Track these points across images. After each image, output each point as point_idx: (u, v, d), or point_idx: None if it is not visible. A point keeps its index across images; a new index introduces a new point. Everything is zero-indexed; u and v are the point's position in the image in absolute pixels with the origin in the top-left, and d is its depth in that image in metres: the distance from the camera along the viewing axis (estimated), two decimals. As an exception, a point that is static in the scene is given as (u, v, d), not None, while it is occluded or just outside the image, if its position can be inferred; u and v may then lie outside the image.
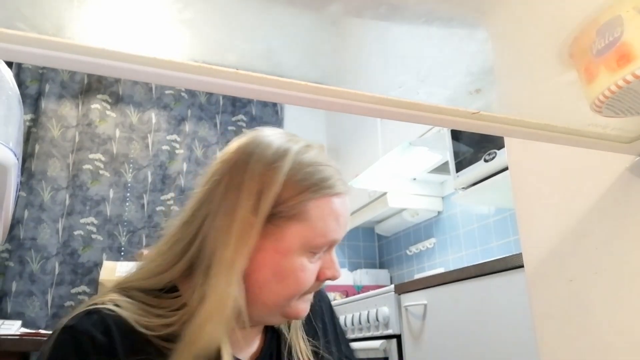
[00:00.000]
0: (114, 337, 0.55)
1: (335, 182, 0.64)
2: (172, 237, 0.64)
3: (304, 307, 0.66)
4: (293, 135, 0.67)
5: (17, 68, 2.62)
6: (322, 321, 0.79)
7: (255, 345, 0.70)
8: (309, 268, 0.62)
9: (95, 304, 0.58)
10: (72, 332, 0.55)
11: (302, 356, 0.70)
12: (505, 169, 1.75)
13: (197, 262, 0.61)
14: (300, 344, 0.71)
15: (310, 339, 0.74)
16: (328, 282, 0.69)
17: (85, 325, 0.56)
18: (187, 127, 2.83)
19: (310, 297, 0.67)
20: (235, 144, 0.65)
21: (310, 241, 0.61)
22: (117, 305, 0.58)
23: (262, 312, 0.63)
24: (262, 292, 0.61)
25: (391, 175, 2.63)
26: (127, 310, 0.58)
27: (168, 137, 2.76)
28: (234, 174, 0.61)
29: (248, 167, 0.61)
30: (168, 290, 0.62)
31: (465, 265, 1.63)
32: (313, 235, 0.61)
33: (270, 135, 0.65)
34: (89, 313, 0.57)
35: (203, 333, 0.56)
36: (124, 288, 0.62)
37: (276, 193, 0.60)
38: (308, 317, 0.74)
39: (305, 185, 0.61)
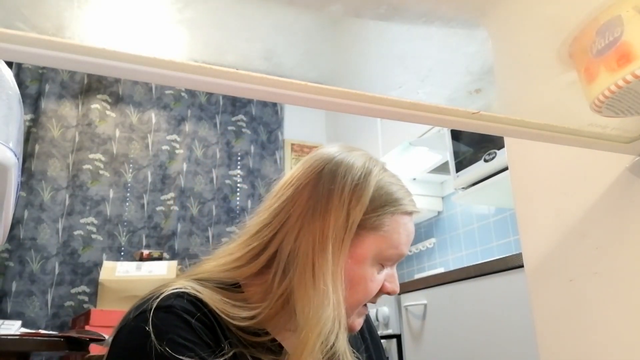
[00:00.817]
0: (211, 319, 0.57)
1: (408, 202, 0.70)
2: (252, 235, 0.66)
3: (359, 321, 0.69)
4: (367, 153, 0.72)
5: (17, 68, 2.62)
6: (365, 334, 0.81)
7: None
8: (377, 279, 0.66)
9: (179, 288, 0.59)
10: (172, 310, 0.55)
11: None
12: (505, 169, 1.75)
13: (275, 263, 0.63)
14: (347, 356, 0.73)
15: (355, 351, 0.74)
16: None
17: (183, 304, 0.56)
18: (187, 127, 2.83)
19: (366, 311, 0.70)
20: (316, 156, 0.69)
21: (383, 252, 0.65)
22: (198, 292, 0.59)
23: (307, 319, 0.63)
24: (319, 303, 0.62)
25: (391, 175, 2.62)
26: (208, 297, 0.59)
27: (168, 137, 2.76)
28: (321, 185, 0.65)
29: (336, 180, 0.65)
30: (231, 285, 0.64)
31: (465, 265, 1.63)
32: (386, 247, 0.65)
33: (350, 152, 0.70)
34: (178, 296, 0.57)
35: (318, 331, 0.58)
36: (197, 279, 0.63)
37: (364, 207, 0.64)
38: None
39: (385, 202, 0.67)
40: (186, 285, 0.60)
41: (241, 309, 0.60)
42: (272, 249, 0.63)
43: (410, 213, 0.69)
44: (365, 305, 0.68)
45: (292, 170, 0.70)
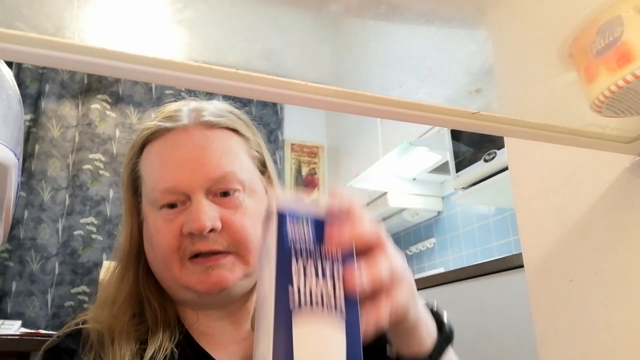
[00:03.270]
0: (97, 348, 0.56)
1: (157, 122, 0.60)
2: None
3: (200, 277, 0.55)
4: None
5: (17, 68, 2.62)
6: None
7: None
8: (163, 227, 0.56)
9: (76, 323, 0.62)
10: (52, 353, 0.58)
11: None
12: (505, 169, 1.75)
13: None
14: None
15: None
16: None
17: (64, 343, 0.59)
18: (187, 127, 2.83)
19: (205, 262, 0.55)
20: None
21: (150, 196, 0.58)
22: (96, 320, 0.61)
23: (167, 288, 0.60)
24: (151, 266, 0.60)
25: (391, 175, 2.63)
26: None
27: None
28: None
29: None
30: None
31: (465, 265, 1.63)
32: (149, 189, 0.58)
33: None
34: (66, 335, 0.60)
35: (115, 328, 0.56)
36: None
37: (127, 165, 0.62)
38: None
39: (132, 144, 0.62)
40: (87, 317, 0.62)
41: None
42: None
43: (160, 134, 0.59)
44: (196, 255, 0.56)
45: None
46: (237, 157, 0.59)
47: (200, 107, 0.62)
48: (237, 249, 0.56)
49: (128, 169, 0.62)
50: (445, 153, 2.30)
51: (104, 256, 2.50)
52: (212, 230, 0.54)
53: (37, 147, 2.52)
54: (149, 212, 0.58)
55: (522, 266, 0.80)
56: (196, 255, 0.56)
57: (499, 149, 1.79)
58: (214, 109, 0.63)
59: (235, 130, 0.62)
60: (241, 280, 0.57)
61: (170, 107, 0.63)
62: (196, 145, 0.57)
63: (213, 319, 0.61)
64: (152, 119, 0.61)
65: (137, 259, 0.61)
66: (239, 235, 0.56)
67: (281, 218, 0.34)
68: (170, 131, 0.58)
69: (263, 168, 0.65)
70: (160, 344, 0.55)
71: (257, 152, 0.65)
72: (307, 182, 3.20)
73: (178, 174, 0.56)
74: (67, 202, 2.52)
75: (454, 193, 2.31)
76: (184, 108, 0.62)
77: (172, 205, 0.56)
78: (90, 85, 2.72)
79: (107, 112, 2.71)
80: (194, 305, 0.61)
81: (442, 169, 2.47)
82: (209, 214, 0.55)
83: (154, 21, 0.38)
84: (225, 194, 0.57)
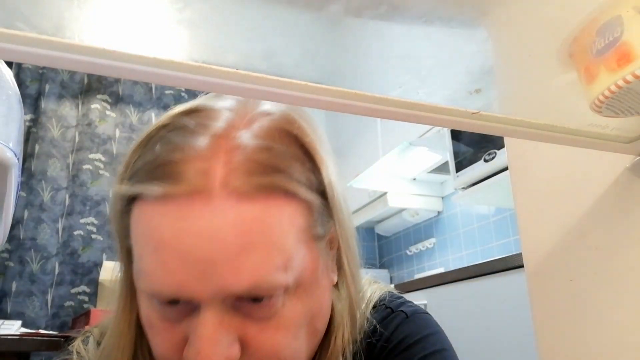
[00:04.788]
0: None
1: (165, 172, 0.37)
2: None
3: None
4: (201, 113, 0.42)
5: (17, 68, 2.62)
6: None
7: None
8: (159, 327, 0.40)
9: (68, 352, 0.51)
10: None
11: None
12: (505, 169, 1.75)
13: None
14: None
15: None
16: None
17: None
18: (187, 127, 2.83)
19: None
20: None
21: (141, 287, 0.39)
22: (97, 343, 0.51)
23: None
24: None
25: (391, 175, 2.63)
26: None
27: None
28: None
29: None
30: None
31: (465, 265, 1.63)
32: (140, 279, 0.38)
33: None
34: None
35: None
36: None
37: (115, 217, 0.42)
38: None
39: (128, 180, 0.40)
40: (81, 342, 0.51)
41: None
42: None
43: (160, 197, 0.36)
44: None
45: None
46: (282, 251, 0.38)
47: (237, 143, 0.38)
48: None
49: (117, 222, 0.42)
50: (445, 153, 2.30)
51: (104, 256, 2.50)
52: None
53: (37, 147, 2.52)
54: (141, 294, 0.41)
55: (522, 266, 0.80)
56: None
57: (499, 149, 1.79)
58: (256, 144, 0.39)
59: (292, 195, 0.39)
60: None
61: (185, 127, 0.39)
62: (218, 235, 0.35)
63: None
64: (153, 147, 0.39)
65: (131, 337, 0.45)
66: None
67: None
68: (179, 196, 0.36)
69: (329, 240, 0.45)
70: None
71: (326, 219, 0.43)
72: (307, 182, 3.19)
73: (180, 277, 0.36)
74: (67, 202, 2.52)
75: (454, 193, 2.31)
76: (207, 142, 0.38)
77: (173, 302, 0.38)
78: (90, 85, 2.72)
79: (107, 112, 2.71)
80: None
81: (442, 169, 2.48)
82: (221, 345, 0.36)
83: (154, 21, 0.38)
84: (256, 299, 0.38)
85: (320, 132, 0.47)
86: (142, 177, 0.38)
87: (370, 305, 0.53)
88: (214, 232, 0.35)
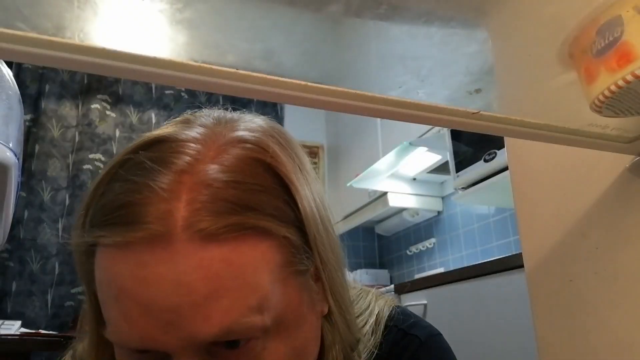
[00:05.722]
0: None
1: (122, 216, 0.34)
2: None
3: None
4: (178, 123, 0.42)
5: (17, 68, 2.62)
6: None
7: None
8: None
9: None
10: None
11: None
12: (505, 169, 1.75)
13: None
14: None
15: None
16: None
17: None
18: (187, 127, 2.83)
19: None
20: None
21: (106, 334, 0.37)
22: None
23: None
24: None
25: (391, 175, 2.63)
26: None
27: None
28: None
29: None
30: None
31: (465, 265, 1.63)
32: (108, 329, 0.36)
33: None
34: None
35: None
36: None
37: (77, 252, 0.39)
38: None
39: (87, 224, 0.37)
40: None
41: None
42: None
43: (120, 243, 0.33)
44: None
45: None
46: (255, 291, 0.35)
47: (203, 179, 0.35)
48: None
49: (80, 267, 0.40)
50: (445, 153, 2.30)
51: (104, 256, 2.50)
52: None
53: (37, 147, 2.52)
54: (110, 338, 0.37)
55: (522, 266, 0.80)
56: None
57: (499, 149, 1.79)
58: (225, 178, 0.36)
59: (260, 230, 0.36)
60: None
61: (146, 162, 0.36)
62: (182, 281, 0.33)
63: None
64: (111, 187, 0.36)
65: None
66: None
67: None
68: (139, 241, 0.33)
69: (311, 274, 0.42)
70: None
71: (306, 252, 0.40)
72: (307, 182, 3.19)
73: (143, 329, 0.33)
74: (67, 202, 2.52)
75: (454, 193, 2.31)
76: (170, 179, 0.35)
77: (143, 350, 0.36)
78: (90, 85, 2.72)
79: (107, 112, 2.71)
80: None
81: (442, 169, 2.48)
82: None
83: (154, 21, 0.38)
84: (232, 343, 0.35)
85: (299, 155, 0.44)
86: (100, 222, 0.35)
87: (382, 326, 0.50)
88: (177, 279, 0.32)
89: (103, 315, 0.37)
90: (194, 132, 0.39)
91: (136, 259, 0.33)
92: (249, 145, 0.39)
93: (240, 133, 0.40)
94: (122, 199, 0.34)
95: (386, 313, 0.52)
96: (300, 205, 0.39)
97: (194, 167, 0.36)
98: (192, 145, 0.38)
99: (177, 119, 0.43)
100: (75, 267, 0.40)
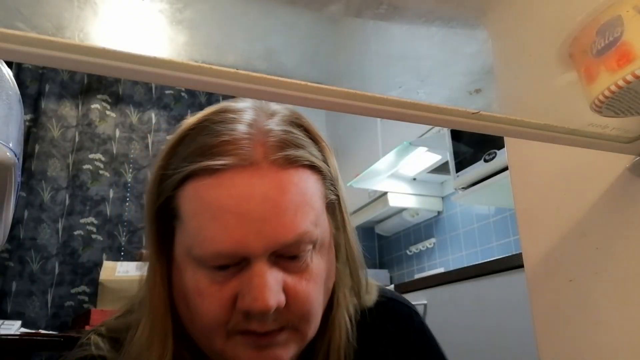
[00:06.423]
0: None
1: (219, 152, 0.44)
2: None
3: (249, 354, 0.45)
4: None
5: (17, 68, 2.62)
6: None
7: None
8: (208, 291, 0.44)
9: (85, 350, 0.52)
10: None
11: None
12: (505, 169, 1.75)
13: None
14: None
15: None
16: None
17: None
18: (187, 127, 2.83)
19: (259, 341, 0.45)
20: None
21: (191, 251, 0.44)
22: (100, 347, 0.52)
23: (203, 348, 0.49)
24: (184, 321, 0.49)
25: (391, 175, 2.63)
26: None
27: (168, 137, 2.77)
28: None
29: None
30: None
31: (465, 265, 1.63)
32: (190, 243, 0.44)
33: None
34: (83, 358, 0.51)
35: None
36: (114, 329, 0.55)
37: (154, 195, 0.47)
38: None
39: (181, 166, 0.45)
40: (96, 344, 0.52)
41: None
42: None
43: (218, 171, 0.43)
44: (252, 332, 0.45)
45: None
46: (313, 209, 0.46)
47: (268, 128, 0.47)
48: (296, 324, 0.46)
49: (156, 201, 0.48)
50: (445, 153, 2.30)
51: (104, 256, 2.50)
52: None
53: (37, 147, 2.52)
54: (186, 264, 0.46)
55: (522, 266, 0.80)
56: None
57: (499, 149, 1.79)
58: (281, 129, 0.48)
59: (312, 167, 0.48)
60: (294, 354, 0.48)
61: (223, 119, 0.47)
62: (268, 197, 0.43)
63: None
64: (217, 147, 0.44)
65: (166, 314, 0.48)
66: (303, 309, 0.46)
67: None
68: (231, 168, 0.43)
69: (335, 207, 0.53)
70: None
71: (333, 189, 0.52)
72: (307, 182, 3.19)
73: (239, 235, 0.42)
74: (67, 202, 2.52)
75: (454, 193, 2.31)
76: (245, 128, 0.46)
77: (223, 267, 0.44)
78: (90, 85, 2.72)
79: (107, 112, 2.71)
80: None
81: (442, 169, 2.48)
82: (274, 290, 0.42)
83: (154, 21, 0.38)
84: (293, 257, 0.45)
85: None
86: (195, 158, 0.44)
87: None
88: (264, 194, 0.43)
89: (190, 241, 0.44)
90: (247, 104, 0.51)
91: (230, 182, 0.43)
92: (287, 112, 0.52)
93: (277, 106, 0.52)
94: (212, 140, 0.45)
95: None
96: (325, 154, 0.52)
97: (259, 121, 0.48)
98: (250, 110, 0.49)
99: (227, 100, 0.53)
100: (149, 215, 0.49)
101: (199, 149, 0.45)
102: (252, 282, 0.42)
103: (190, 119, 0.50)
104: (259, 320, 0.43)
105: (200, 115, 0.49)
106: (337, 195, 0.53)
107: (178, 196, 0.46)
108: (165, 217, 0.48)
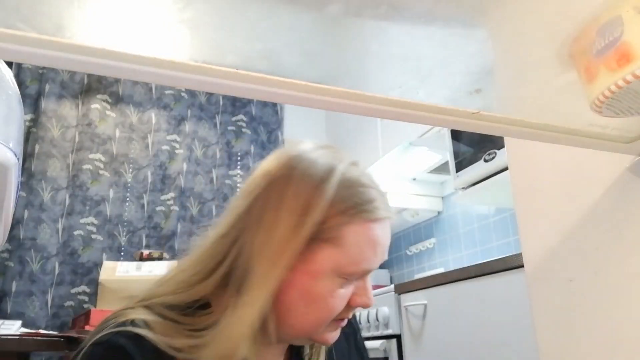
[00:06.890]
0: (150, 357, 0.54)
1: (376, 207, 0.61)
2: (207, 249, 0.62)
3: (333, 334, 0.64)
4: (335, 151, 0.65)
5: (17, 68, 2.62)
6: (347, 345, 0.78)
7: None
8: (339, 294, 0.60)
9: (124, 322, 0.57)
10: (106, 347, 0.54)
11: None
12: (505, 169, 1.75)
13: (231, 278, 0.60)
14: None
15: None
16: None
17: (120, 341, 0.54)
18: (187, 127, 2.83)
19: (342, 323, 0.65)
20: (276, 157, 0.64)
21: (342, 268, 0.59)
22: (146, 324, 0.57)
23: (289, 334, 0.62)
24: (290, 314, 0.60)
25: (391, 175, 2.63)
26: (156, 330, 0.56)
27: (168, 137, 2.76)
28: (275, 190, 0.60)
29: (291, 184, 0.59)
30: (201, 306, 0.61)
31: (465, 265, 1.63)
32: (346, 263, 0.59)
33: (313, 150, 0.64)
34: (119, 332, 0.56)
35: (228, 347, 0.56)
36: (152, 304, 0.60)
37: (321, 215, 0.58)
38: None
39: (344, 208, 0.59)
40: (137, 318, 0.57)
41: (192, 338, 0.57)
42: (227, 265, 0.60)
43: (378, 220, 0.61)
44: (342, 319, 0.64)
45: (250, 177, 0.65)
46: None
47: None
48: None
49: (321, 213, 0.59)
50: (445, 153, 2.30)
51: (104, 256, 2.50)
52: None
53: (37, 147, 2.52)
54: (324, 275, 0.59)
55: (522, 266, 0.80)
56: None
57: (499, 149, 1.79)
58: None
59: None
60: None
61: (376, 193, 0.64)
62: (389, 237, 0.64)
63: (269, 348, 0.66)
64: (376, 202, 0.62)
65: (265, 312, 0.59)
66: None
67: None
68: (383, 220, 0.63)
69: None
70: None
71: None
72: (307, 182, 3.19)
73: (378, 260, 0.62)
74: (67, 202, 2.52)
75: (454, 193, 2.31)
76: (378, 187, 0.66)
77: (347, 279, 0.61)
78: (90, 85, 2.72)
79: (107, 112, 2.71)
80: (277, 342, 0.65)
81: (442, 169, 2.47)
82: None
83: (155, 21, 0.38)
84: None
85: None
86: (362, 207, 0.60)
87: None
88: (389, 237, 0.64)
89: (346, 260, 0.59)
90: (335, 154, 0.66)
91: (381, 228, 0.62)
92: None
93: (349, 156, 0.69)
94: (367, 196, 0.61)
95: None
96: None
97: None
98: (354, 162, 0.66)
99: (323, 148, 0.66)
100: (316, 206, 0.59)
101: (361, 203, 0.61)
102: (366, 287, 0.63)
103: (338, 167, 0.61)
104: (352, 311, 0.64)
105: (338, 166, 0.62)
106: None
107: (349, 224, 0.59)
108: (318, 228, 0.59)
